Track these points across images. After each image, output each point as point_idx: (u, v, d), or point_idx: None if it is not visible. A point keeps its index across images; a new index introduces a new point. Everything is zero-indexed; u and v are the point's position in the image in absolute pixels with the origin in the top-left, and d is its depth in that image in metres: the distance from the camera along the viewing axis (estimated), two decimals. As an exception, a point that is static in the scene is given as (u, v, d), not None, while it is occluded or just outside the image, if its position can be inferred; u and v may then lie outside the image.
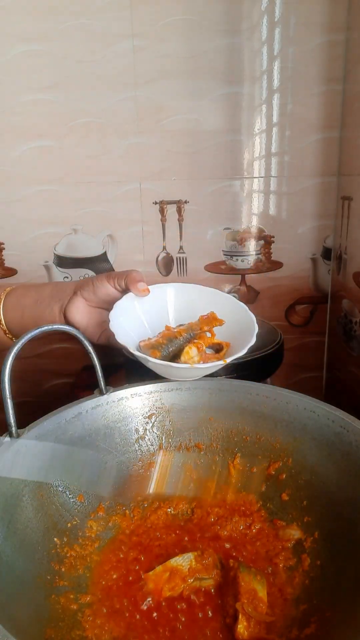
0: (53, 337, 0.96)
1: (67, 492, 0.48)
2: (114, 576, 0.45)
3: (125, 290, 0.51)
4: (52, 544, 0.44)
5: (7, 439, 0.45)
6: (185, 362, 0.45)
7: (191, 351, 0.46)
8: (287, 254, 0.92)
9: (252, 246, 0.92)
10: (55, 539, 0.45)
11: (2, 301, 0.55)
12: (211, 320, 0.49)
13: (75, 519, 0.48)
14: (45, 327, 0.46)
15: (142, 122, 0.84)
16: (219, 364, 0.45)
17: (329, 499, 0.46)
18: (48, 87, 0.82)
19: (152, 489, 0.53)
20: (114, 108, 0.83)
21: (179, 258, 0.92)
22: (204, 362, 0.46)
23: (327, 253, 0.92)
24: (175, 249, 0.92)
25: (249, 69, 0.81)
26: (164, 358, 0.46)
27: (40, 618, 0.38)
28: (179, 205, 0.89)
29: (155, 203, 0.89)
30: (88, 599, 0.42)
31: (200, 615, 0.41)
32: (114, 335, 0.45)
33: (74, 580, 0.43)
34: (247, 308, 0.51)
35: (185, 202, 0.89)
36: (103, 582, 0.44)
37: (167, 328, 0.50)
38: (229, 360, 0.45)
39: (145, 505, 0.52)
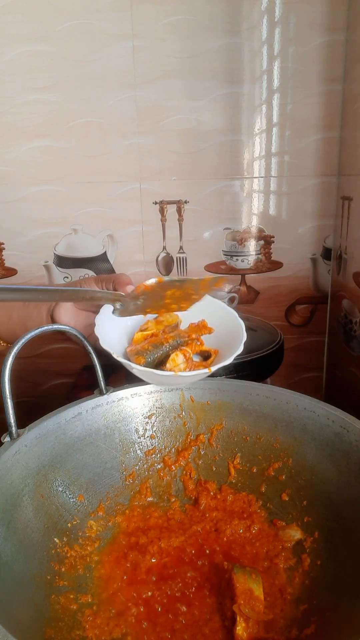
0: (53, 337, 0.96)
1: (67, 492, 0.48)
2: (114, 576, 0.45)
3: None
4: (52, 544, 0.44)
5: (7, 439, 0.45)
6: (170, 369, 0.44)
7: (177, 358, 0.45)
8: (287, 254, 0.92)
9: (252, 246, 0.92)
10: (55, 539, 0.45)
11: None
12: (200, 328, 0.49)
13: (75, 519, 0.48)
14: (46, 327, 0.46)
15: (142, 122, 0.84)
16: (203, 372, 0.43)
17: (329, 499, 0.46)
18: (48, 87, 0.82)
19: (152, 489, 0.53)
20: (114, 108, 0.83)
21: (179, 258, 0.92)
22: (190, 370, 0.45)
23: (327, 253, 0.92)
24: (175, 249, 0.92)
25: (249, 69, 0.81)
26: (148, 364, 0.45)
27: (40, 618, 0.38)
28: (179, 205, 0.89)
29: (155, 203, 0.89)
30: (88, 599, 0.42)
31: (199, 616, 0.41)
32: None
33: (74, 580, 0.43)
34: (236, 315, 0.49)
35: (185, 202, 0.89)
36: (103, 582, 0.44)
37: (157, 322, 0.49)
38: (214, 368, 0.43)
39: (145, 505, 0.52)
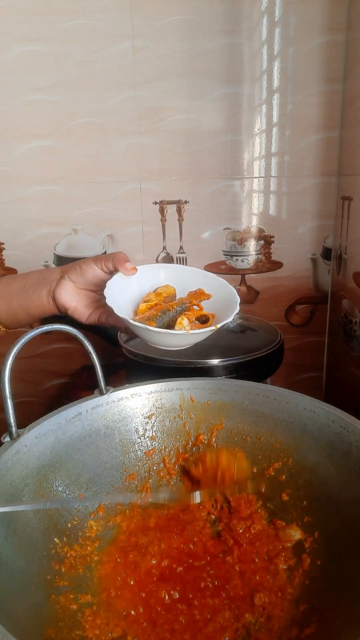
0: (53, 337, 0.96)
1: (67, 492, 0.48)
2: (114, 576, 0.45)
3: (113, 272, 0.53)
4: (52, 544, 0.44)
5: (7, 439, 0.45)
6: (184, 328, 0.49)
7: (183, 321, 0.50)
8: (287, 254, 0.92)
9: (252, 246, 0.92)
10: (55, 539, 0.45)
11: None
12: (199, 294, 0.53)
13: (75, 519, 0.48)
14: (46, 327, 0.46)
15: (142, 122, 0.84)
16: (210, 329, 0.49)
17: (329, 499, 0.46)
18: (48, 87, 0.82)
19: (152, 489, 0.53)
20: (114, 108, 0.83)
21: (179, 258, 0.92)
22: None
23: (327, 253, 0.92)
24: (175, 249, 0.92)
25: (249, 69, 0.81)
26: (161, 327, 0.50)
27: (40, 618, 0.38)
28: (179, 205, 0.89)
29: (155, 203, 0.89)
30: (88, 599, 0.42)
31: (199, 616, 0.41)
32: (111, 311, 0.48)
33: (74, 580, 0.43)
34: (227, 283, 0.55)
35: (185, 202, 0.89)
36: (103, 582, 0.44)
37: (157, 294, 0.53)
38: (219, 325, 0.49)
39: (145, 505, 0.52)
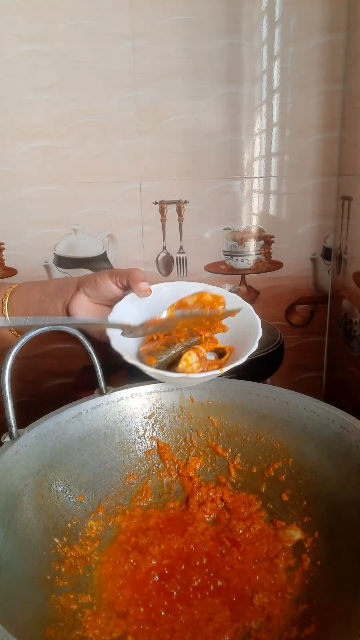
0: (53, 337, 0.96)
1: (67, 492, 0.48)
2: (114, 576, 0.45)
3: (127, 288, 0.50)
4: (52, 544, 0.44)
5: (7, 439, 0.45)
6: (183, 370, 0.44)
7: (190, 358, 0.44)
8: (287, 254, 0.92)
9: (252, 246, 0.92)
10: (55, 539, 0.45)
11: (7, 299, 0.55)
12: (214, 327, 0.48)
13: (75, 519, 0.48)
14: (46, 327, 0.46)
15: (142, 122, 0.84)
16: (215, 373, 0.43)
17: (329, 499, 0.46)
18: (48, 87, 0.82)
19: (152, 489, 0.53)
20: (114, 108, 0.83)
21: (179, 258, 0.92)
22: (202, 370, 0.45)
23: (327, 253, 0.92)
24: (175, 249, 0.92)
25: (249, 69, 0.81)
26: (160, 365, 0.44)
27: (40, 618, 0.38)
28: (179, 205, 0.89)
29: (155, 203, 0.89)
30: (88, 599, 0.42)
31: (199, 616, 0.41)
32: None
33: (74, 580, 0.43)
34: (252, 309, 0.48)
35: (185, 202, 0.89)
36: (103, 582, 0.44)
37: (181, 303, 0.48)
38: (226, 369, 0.43)
39: (145, 505, 0.52)
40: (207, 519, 0.51)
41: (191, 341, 0.46)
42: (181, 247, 0.92)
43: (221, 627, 0.40)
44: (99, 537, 0.48)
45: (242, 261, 0.93)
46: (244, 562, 0.46)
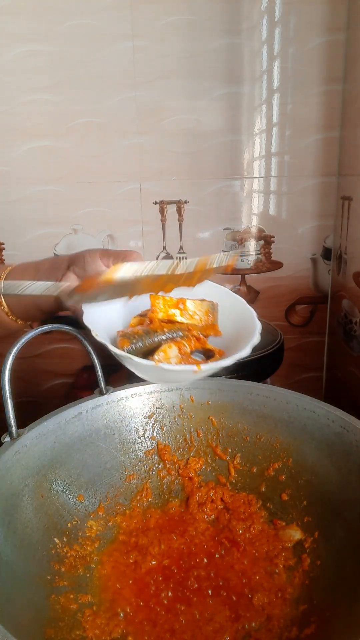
0: (53, 337, 0.96)
1: (67, 492, 0.48)
2: (114, 576, 0.45)
3: None
4: (52, 544, 0.44)
5: (7, 439, 0.45)
6: (158, 359, 0.38)
7: (170, 350, 0.38)
8: (287, 254, 0.92)
9: (252, 246, 0.92)
10: (55, 539, 0.45)
11: (2, 282, 0.51)
12: (208, 328, 0.42)
13: (75, 519, 0.48)
14: (46, 327, 0.46)
15: (142, 122, 0.84)
16: (189, 368, 0.37)
17: (329, 499, 0.46)
18: (48, 87, 0.82)
19: (152, 489, 0.53)
20: (114, 108, 0.83)
21: (179, 258, 0.92)
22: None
23: (327, 253, 0.92)
24: (175, 249, 0.92)
25: (249, 69, 0.81)
26: (133, 351, 0.38)
27: (40, 618, 0.38)
28: (179, 205, 0.89)
29: (155, 203, 0.89)
30: (88, 599, 0.42)
31: (199, 616, 0.41)
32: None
33: (74, 580, 0.43)
34: (254, 313, 0.42)
35: (185, 202, 0.89)
36: (103, 582, 0.44)
37: (152, 309, 0.41)
38: (204, 367, 0.37)
39: (145, 505, 0.52)
40: (207, 519, 0.51)
41: (175, 334, 0.40)
42: (181, 247, 0.92)
43: (221, 627, 0.40)
44: (99, 537, 0.48)
45: (242, 261, 0.93)
46: (244, 562, 0.46)
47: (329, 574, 0.42)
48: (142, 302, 0.42)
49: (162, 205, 0.89)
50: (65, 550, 0.45)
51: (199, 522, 0.50)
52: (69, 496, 0.48)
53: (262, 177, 0.88)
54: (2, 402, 0.43)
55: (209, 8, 0.78)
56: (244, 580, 0.44)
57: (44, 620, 0.38)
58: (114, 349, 0.37)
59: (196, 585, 0.44)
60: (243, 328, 0.42)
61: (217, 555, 0.47)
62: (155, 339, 0.39)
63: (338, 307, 0.90)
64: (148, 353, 0.39)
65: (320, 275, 0.94)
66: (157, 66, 0.81)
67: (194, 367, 0.37)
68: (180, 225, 0.90)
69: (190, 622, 0.41)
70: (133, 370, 0.40)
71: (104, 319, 0.41)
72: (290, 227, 0.90)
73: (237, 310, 0.44)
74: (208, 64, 0.81)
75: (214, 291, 0.45)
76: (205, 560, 0.46)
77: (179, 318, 0.41)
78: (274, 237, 0.91)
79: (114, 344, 0.39)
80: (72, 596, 0.42)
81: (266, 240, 0.91)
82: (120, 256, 0.45)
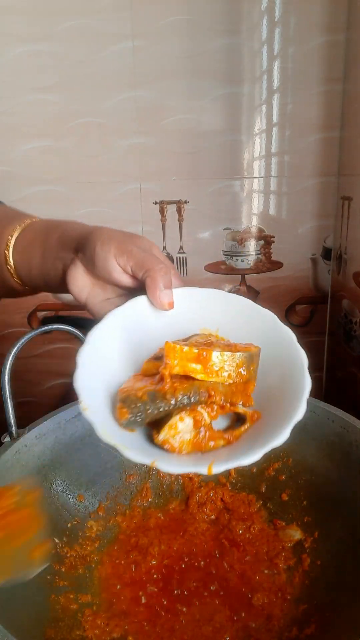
0: (53, 337, 0.96)
1: (67, 492, 0.48)
2: (114, 576, 0.45)
3: (139, 280, 0.37)
4: (52, 544, 0.44)
5: (7, 439, 0.45)
6: (164, 441, 0.31)
7: (181, 424, 0.30)
8: (287, 254, 0.92)
9: (252, 246, 0.92)
10: (55, 539, 0.45)
11: (12, 242, 0.46)
12: (238, 390, 0.31)
13: (75, 519, 0.48)
14: (46, 327, 0.46)
15: (142, 122, 0.84)
16: (196, 470, 0.29)
17: (329, 499, 0.46)
18: (48, 87, 0.82)
19: (152, 489, 0.53)
20: (114, 108, 0.83)
21: (179, 258, 0.92)
22: (195, 448, 0.31)
23: (327, 253, 0.92)
24: (175, 249, 0.92)
25: (249, 69, 0.81)
26: (132, 423, 0.31)
27: (40, 618, 0.38)
28: (179, 205, 0.89)
29: (155, 203, 0.89)
30: (88, 599, 0.42)
31: (199, 616, 0.41)
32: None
33: (74, 580, 0.43)
34: (303, 359, 0.34)
35: (185, 202, 0.89)
36: (103, 582, 0.44)
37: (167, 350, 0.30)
38: (215, 470, 0.29)
39: (145, 505, 0.52)
40: (207, 519, 0.51)
41: (190, 399, 0.30)
42: (181, 247, 0.92)
43: (221, 627, 0.40)
44: (99, 537, 0.48)
45: (242, 261, 0.93)
46: (244, 562, 0.46)
47: (329, 574, 0.42)
48: (176, 319, 0.34)
49: (162, 205, 0.89)
50: (65, 550, 0.45)
51: (199, 522, 0.50)
52: (69, 496, 0.48)
53: (262, 177, 0.88)
54: (2, 402, 0.43)
55: (209, 8, 0.78)
56: (244, 580, 0.44)
57: (44, 620, 0.38)
58: (104, 437, 0.30)
59: (196, 585, 0.44)
60: (285, 378, 0.33)
61: (217, 555, 0.47)
62: (163, 408, 0.30)
63: (338, 307, 0.90)
64: (154, 423, 0.32)
65: (320, 275, 0.94)
66: (157, 66, 0.81)
67: (204, 470, 0.29)
68: (180, 225, 0.90)
69: (190, 622, 0.41)
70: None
71: (106, 366, 0.34)
72: (290, 227, 0.90)
73: (283, 346, 0.34)
74: (208, 64, 0.81)
75: (254, 317, 0.34)
76: (206, 560, 0.46)
77: (199, 376, 0.31)
78: (274, 237, 0.91)
79: (114, 407, 0.32)
80: (72, 596, 0.42)
81: (266, 240, 0.91)
82: (144, 266, 0.36)
